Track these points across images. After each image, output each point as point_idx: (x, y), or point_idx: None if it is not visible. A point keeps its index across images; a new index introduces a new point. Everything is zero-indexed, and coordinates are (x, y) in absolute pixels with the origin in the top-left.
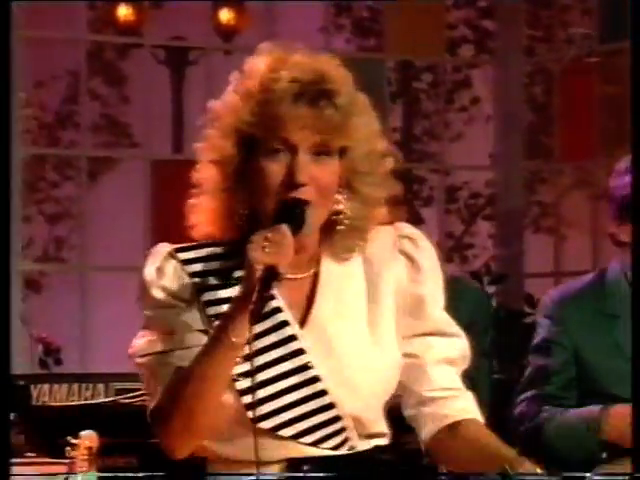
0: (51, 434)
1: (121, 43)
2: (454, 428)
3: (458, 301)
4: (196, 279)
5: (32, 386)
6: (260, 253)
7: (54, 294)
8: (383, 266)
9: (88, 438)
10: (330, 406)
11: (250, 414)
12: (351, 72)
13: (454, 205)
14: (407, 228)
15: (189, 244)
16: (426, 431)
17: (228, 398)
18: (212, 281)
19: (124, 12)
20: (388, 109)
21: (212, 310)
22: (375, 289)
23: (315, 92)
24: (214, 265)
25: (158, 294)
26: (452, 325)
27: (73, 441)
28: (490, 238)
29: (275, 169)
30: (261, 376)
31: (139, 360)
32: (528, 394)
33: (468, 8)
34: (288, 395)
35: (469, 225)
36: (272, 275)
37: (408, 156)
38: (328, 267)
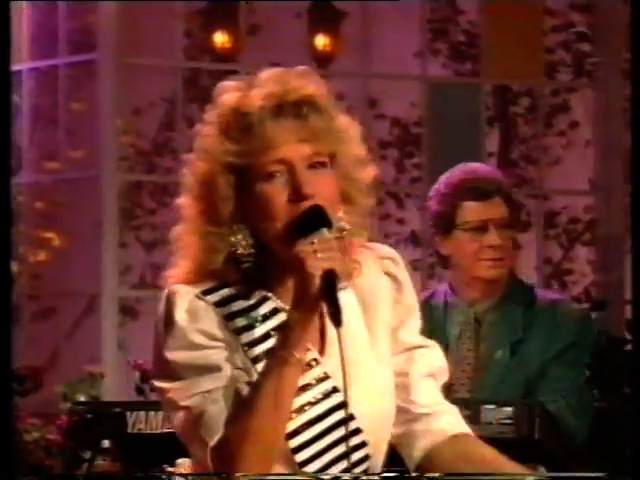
0: (147, 462)
1: (217, 70)
2: (449, 442)
3: (561, 326)
4: (230, 321)
5: (128, 413)
6: (315, 259)
7: (151, 321)
8: (373, 292)
9: (184, 466)
10: (362, 445)
11: (297, 458)
12: (448, 97)
13: (553, 230)
14: (384, 248)
15: (208, 287)
16: (419, 447)
17: None
18: (244, 322)
19: (221, 39)
20: (484, 134)
21: (253, 352)
22: (370, 314)
23: (294, 100)
24: (239, 306)
25: (195, 337)
26: (426, 340)
27: (169, 469)
28: (589, 264)
29: (276, 190)
30: (303, 418)
31: (184, 402)
32: None
33: (566, 32)
34: (327, 436)
35: (568, 251)
36: (333, 279)
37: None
38: None
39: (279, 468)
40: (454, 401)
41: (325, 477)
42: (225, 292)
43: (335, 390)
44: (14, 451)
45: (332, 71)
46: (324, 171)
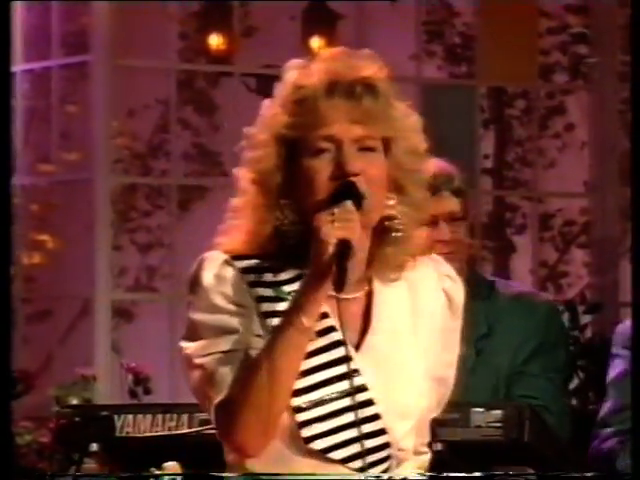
0: (134, 465)
1: (212, 72)
2: None
3: (527, 319)
4: (254, 289)
5: (115, 416)
6: (331, 228)
7: (146, 323)
8: (427, 298)
9: (171, 469)
10: (381, 432)
11: (303, 433)
12: (443, 99)
13: (548, 233)
14: (446, 266)
15: (242, 254)
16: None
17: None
18: (269, 292)
19: (216, 41)
20: (480, 136)
21: (272, 321)
22: (418, 317)
23: (351, 81)
24: (268, 277)
25: (218, 300)
26: (453, 367)
27: (156, 472)
28: (585, 266)
29: (322, 166)
30: (314, 395)
31: (199, 360)
32: (611, 430)
33: (562, 34)
34: (341, 416)
35: (563, 253)
36: (346, 249)
37: (500, 183)
38: (380, 287)
39: (284, 445)
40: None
41: (322, 477)
42: (256, 261)
43: (356, 373)
44: (12, 455)
45: None
46: (373, 155)
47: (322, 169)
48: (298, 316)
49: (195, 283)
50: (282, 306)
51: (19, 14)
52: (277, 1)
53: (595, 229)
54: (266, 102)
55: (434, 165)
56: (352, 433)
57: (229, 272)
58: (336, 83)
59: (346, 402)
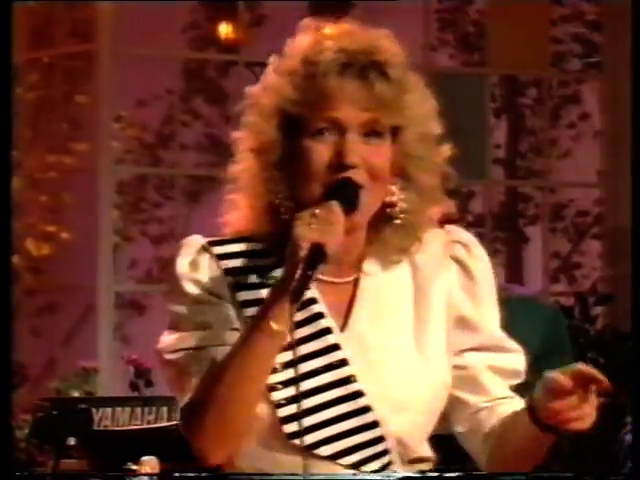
0: (113, 459)
1: (222, 61)
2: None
3: (530, 324)
4: (231, 276)
5: (94, 409)
6: (307, 229)
7: (157, 315)
8: (433, 273)
9: (149, 464)
10: (374, 424)
11: (286, 428)
12: (454, 88)
13: (560, 223)
14: (460, 232)
15: (224, 238)
16: (482, 433)
17: (262, 409)
18: (248, 279)
19: (225, 30)
20: (490, 125)
21: (249, 311)
22: (423, 298)
23: (365, 63)
24: (251, 262)
25: (191, 289)
26: (508, 340)
27: (133, 467)
28: (600, 258)
29: (321, 150)
30: (299, 387)
31: (169, 356)
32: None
33: (575, 21)
34: (328, 410)
35: (576, 244)
36: (318, 254)
37: (513, 173)
38: (372, 272)
39: (267, 442)
40: None
41: (314, 478)
42: (236, 245)
43: (344, 363)
44: (12, 449)
45: None
46: (378, 142)
47: (321, 154)
48: (267, 320)
49: (172, 272)
50: (264, 293)
51: (26, 3)
52: None
53: (607, 219)
54: (271, 68)
55: None
56: (340, 428)
57: (204, 258)
58: (350, 64)
59: (333, 394)
